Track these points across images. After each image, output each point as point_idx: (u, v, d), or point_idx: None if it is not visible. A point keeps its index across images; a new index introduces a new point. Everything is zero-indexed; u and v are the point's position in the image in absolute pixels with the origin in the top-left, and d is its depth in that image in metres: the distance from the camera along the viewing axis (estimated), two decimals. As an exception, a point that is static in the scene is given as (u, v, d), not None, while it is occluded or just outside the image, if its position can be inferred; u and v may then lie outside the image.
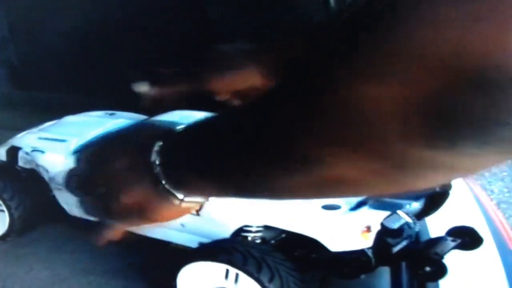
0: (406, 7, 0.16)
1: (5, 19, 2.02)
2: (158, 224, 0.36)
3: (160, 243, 1.19)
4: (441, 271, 1.06)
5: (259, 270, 1.02)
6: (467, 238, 1.09)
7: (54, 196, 1.24)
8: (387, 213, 1.08)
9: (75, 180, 0.37)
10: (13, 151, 1.27)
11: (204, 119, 0.32)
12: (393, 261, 1.14)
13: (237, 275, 1.05)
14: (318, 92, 0.20)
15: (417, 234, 1.19)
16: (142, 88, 0.61)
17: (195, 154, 0.31)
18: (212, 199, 1.03)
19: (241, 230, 1.11)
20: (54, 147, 1.24)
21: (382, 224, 1.08)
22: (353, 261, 1.11)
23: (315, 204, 1.03)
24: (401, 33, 0.17)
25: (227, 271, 1.05)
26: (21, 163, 1.26)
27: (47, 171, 1.22)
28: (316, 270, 1.20)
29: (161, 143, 0.32)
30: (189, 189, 0.33)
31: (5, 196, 1.22)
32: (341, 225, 1.06)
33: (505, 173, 2.39)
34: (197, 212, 1.11)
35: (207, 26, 1.53)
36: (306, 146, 0.21)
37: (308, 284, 1.14)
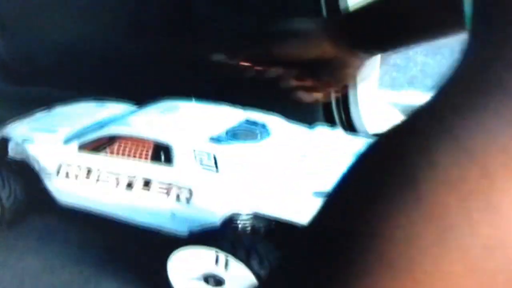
0: None
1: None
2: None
3: (150, 231, 1.20)
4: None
5: (248, 255, 1.03)
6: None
7: (44, 186, 1.25)
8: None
9: None
10: (3, 142, 1.27)
11: None
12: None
13: (227, 260, 1.06)
14: None
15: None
16: (219, 57, 0.62)
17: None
18: (202, 188, 1.06)
19: (231, 218, 1.12)
20: (44, 137, 1.25)
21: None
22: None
23: (306, 190, 1.04)
24: None
25: (217, 256, 1.06)
26: (11, 153, 1.26)
27: (37, 161, 1.23)
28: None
29: None
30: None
31: None
32: None
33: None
34: (187, 200, 1.12)
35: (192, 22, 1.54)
36: None
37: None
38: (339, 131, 1.23)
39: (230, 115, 1.24)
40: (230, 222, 1.15)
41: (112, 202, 1.16)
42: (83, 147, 1.19)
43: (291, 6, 1.36)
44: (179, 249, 1.08)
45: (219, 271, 1.06)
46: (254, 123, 1.23)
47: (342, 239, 0.16)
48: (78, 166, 1.19)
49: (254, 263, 1.03)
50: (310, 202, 1.04)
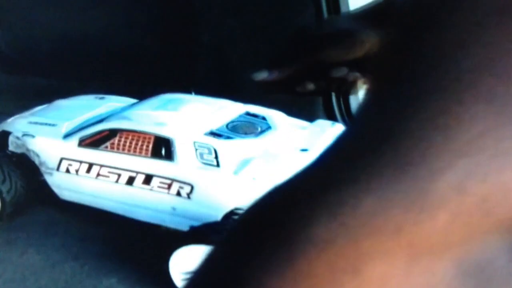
0: None
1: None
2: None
3: (151, 226, 1.21)
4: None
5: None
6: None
7: (44, 181, 1.25)
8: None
9: None
10: (4, 136, 1.27)
11: None
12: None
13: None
14: None
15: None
16: (262, 75, 0.60)
17: None
18: (203, 183, 1.05)
19: (231, 213, 1.12)
20: (44, 131, 1.25)
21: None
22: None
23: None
24: None
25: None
26: (11, 147, 1.26)
27: (37, 155, 1.23)
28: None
29: None
30: None
31: None
32: None
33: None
34: (188, 196, 1.12)
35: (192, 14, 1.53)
36: None
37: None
38: (339, 126, 1.23)
39: (230, 109, 1.24)
40: (230, 217, 1.16)
41: (112, 197, 1.16)
42: (83, 141, 1.19)
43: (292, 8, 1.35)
44: (181, 247, 1.08)
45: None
46: (255, 116, 1.23)
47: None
48: (79, 161, 1.19)
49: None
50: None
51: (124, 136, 1.15)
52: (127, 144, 1.15)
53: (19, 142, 1.25)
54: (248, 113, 1.24)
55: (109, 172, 1.16)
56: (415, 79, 0.14)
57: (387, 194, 0.14)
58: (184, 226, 1.13)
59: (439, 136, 0.14)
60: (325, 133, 1.19)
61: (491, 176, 0.13)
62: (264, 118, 1.22)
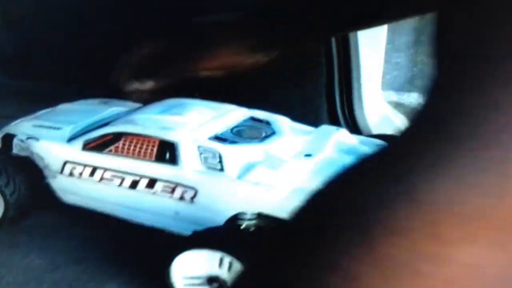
0: None
1: (-3, 8, 2.01)
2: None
3: (154, 231, 1.19)
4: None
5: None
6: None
7: (48, 184, 1.25)
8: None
9: None
10: (8, 139, 1.27)
11: None
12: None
13: (230, 263, 1.06)
14: None
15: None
16: (132, 86, 0.61)
17: None
18: (207, 187, 1.05)
19: (235, 218, 1.12)
20: (49, 134, 1.24)
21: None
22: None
23: (311, 190, 1.03)
24: None
25: (221, 259, 1.06)
26: (15, 150, 1.26)
27: (41, 158, 1.22)
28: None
29: None
30: None
31: (0, 182, 1.22)
32: None
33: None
34: (192, 200, 1.12)
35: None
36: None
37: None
38: (344, 131, 1.22)
39: (234, 113, 1.24)
40: (234, 222, 1.16)
41: (115, 201, 1.16)
42: (87, 144, 1.19)
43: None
44: (184, 252, 1.08)
45: (222, 273, 1.06)
46: (259, 121, 1.23)
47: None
48: (83, 164, 1.19)
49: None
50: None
51: (128, 140, 1.15)
52: (132, 148, 1.15)
53: (23, 145, 1.25)
54: (252, 118, 1.24)
55: (113, 176, 1.16)
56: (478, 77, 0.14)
57: (465, 178, 0.13)
58: (187, 231, 1.12)
59: None
60: (330, 139, 1.19)
61: None
62: (268, 123, 1.22)
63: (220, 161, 1.09)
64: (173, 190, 1.10)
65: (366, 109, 1.51)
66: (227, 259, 1.06)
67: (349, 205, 0.15)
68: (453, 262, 0.14)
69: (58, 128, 1.26)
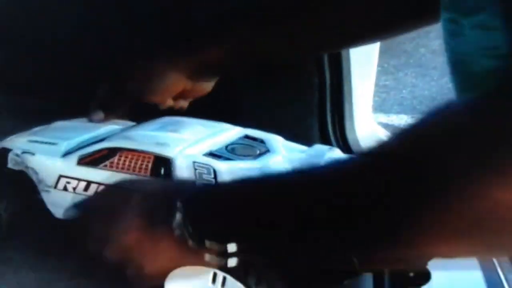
0: None
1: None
2: None
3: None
4: (424, 276, 1.08)
5: (246, 273, 1.04)
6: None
7: (41, 199, 1.25)
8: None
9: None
10: (3, 153, 1.27)
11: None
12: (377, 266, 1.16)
13: (224, 278, 1.06)
14: (451, 192, 0.18)
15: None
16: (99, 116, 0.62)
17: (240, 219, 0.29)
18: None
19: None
20: (44, 149, 1.25)
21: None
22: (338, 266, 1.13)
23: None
24: None
25: (215, 274, 1.06)
26: (10, 164, 1.26)
27: (36, 172, 1.23)
28: (301, 275, 1.22)
29: (184, 204, 0.31)
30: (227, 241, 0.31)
31: None
32: None
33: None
34: (186, 216, 1.13)
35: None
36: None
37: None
38: (337, 151, 1.24)
39: (229, 131, 1.25)
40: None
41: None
42: (82, 159, 1.20)
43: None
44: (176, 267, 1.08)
45: (216, 290, 1.06)
46: (253, 139, 1.24)
47: None
48: (77, 178, 1.19)
49: (251, 281, 1.03)
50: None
51: (124, 155, 1.16)
52: (127, 163, 1.16)
53: (18, 159, 1.25)
54: (247, 136, 1.25)
55: (108, 191, 1.16)
56: None
57: None
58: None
59: None
60: (323, 158, 1.21)
61: None
62: (263, 141, 1.24)
63: (215, 177, 1.10)
64: None
65: (357, 129, 1.54)
66: (221, 275, 1.06)
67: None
68: None
69: (54, 144, 1.26)
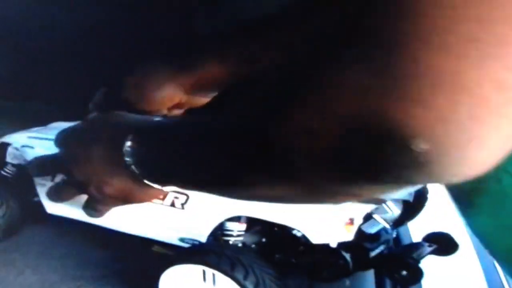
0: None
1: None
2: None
3: (143, 248, 1.20)
4: (417, 275, 1.05)
5: (232, 268, 1.03)
6: (443, 244, 1.09)
7: (39, 201, 1.26)
8: (371, 206, 1.09)
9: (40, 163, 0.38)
10: (2, 146, 1.29)
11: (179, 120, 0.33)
12: (370, 266, 1.14)
13: (214, 275, 1.05)
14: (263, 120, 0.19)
15: (395, 240, 1.19)
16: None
17: (168, 154, 0.31)
18: (198, 193, 1.03)
19: (222, 234, 1.12)
20: (43, 144, 1.26)
21: (359, 229, 1.08)
22: (331, 265, 1.12)
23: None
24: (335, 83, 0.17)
25: (204, 272, 1.05)
26: (9, 158, 1.28)
27: (34, 167, 1.24)
28: (296, 274, 1.21)
29: (132, 138, 0.33)
30: (166, 185, 0.34)
31: None
32: (325, 217, 1.08)
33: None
34: (182, 206, 1.12)
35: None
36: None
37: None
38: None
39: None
40: (220, 238, 1.14)
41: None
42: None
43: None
44: (169, 267, 1.08)
45: (207, 287, 1.06)
46: None
47: None
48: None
49: (239, 275, 1.02)
50: (304, 207, 1.03)
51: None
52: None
53: (17, 153, 1.27)
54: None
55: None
56: None
57: None
58: (174, 239, 1.14)
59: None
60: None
61: None
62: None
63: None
64: (164, 197, 1.11)
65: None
66: (210, 272, 1.05)
67: None
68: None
69: (53, 139, 1.28)
